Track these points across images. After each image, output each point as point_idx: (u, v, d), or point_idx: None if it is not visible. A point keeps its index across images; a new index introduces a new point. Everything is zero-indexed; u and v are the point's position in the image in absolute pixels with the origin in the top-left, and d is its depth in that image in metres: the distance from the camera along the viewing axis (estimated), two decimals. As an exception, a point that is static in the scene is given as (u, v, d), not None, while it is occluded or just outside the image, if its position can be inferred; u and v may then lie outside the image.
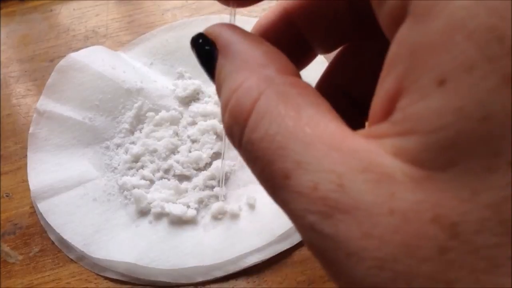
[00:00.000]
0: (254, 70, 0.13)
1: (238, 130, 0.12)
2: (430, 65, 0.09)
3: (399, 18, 0.10)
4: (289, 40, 0.17)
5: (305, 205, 0.10)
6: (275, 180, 0.11)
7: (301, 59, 0.18)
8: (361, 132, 0.11)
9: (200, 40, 0.15)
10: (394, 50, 0.10)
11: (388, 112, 0.10)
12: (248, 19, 0.44)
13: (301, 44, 0.18)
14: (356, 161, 0.10)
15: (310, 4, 0.17)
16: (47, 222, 0.35)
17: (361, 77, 0.17)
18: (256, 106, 0.12)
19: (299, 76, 0.13)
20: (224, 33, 0.14)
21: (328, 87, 0.19)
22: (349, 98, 0.18)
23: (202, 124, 0.39)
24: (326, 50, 0.18)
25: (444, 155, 0.09)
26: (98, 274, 0.33)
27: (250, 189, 0.35)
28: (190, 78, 0.42)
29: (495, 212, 0.08)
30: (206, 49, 0.14)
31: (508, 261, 0.08)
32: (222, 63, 0.14)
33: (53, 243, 0.35)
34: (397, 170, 0.09)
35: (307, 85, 0.13)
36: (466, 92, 0.09)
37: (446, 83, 0.09)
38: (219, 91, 0.14)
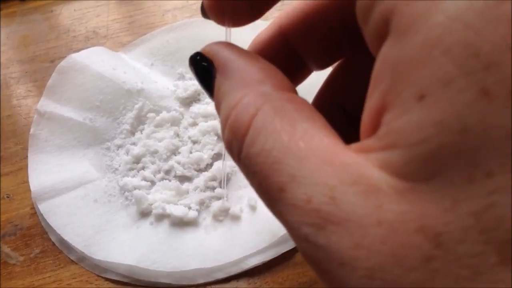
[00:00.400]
0: (251, 87, 0.13)
1: (237, 145, 0.13)
2: (410, 81, 0.10)
3: (382, 35, 0.11)
4: (284, 57, 0.18)
5: (300, 217, 0.11)
6: (271, 193, 0.11)
7: (295, 76, 0.19)
8: (352, 146, 0.11)
9: (198, 59, 0.15)
10: (378, 67, 0.11)
11: (375, 127, 0.11)
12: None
13: (296, 61, 0.18)
14: (347, 174, 0.10)
15: (304, 22, 0.17)
16: (48, 223, 0.35)
17: (356, 92, 0.17)
18: (254, 122, 0.12)
19: (295, 92, 0.14)
20: (221, 52, 0.15)
21: (324, 102, 0.19)
22: (345, 113, 0.19)
23: (203, 125, 0.39)
24: (320, 67, 0.19)
25: (426, 167, 0.09)
26: (99, 276, 0.33)
27: (251, 191, 0.35)
28: (190, 79, 0.42)
29: (476, 221, 0.09)
30: (204, 68, 0.15)
31: (491, 269, 0.08)
32: (220, 81, 0.14)
33: (54, 244, 0.35)
34: (383, 183, 0.10)
35: (303, 101, 0.13)
36: (445, 106, 0.09)
37: (425, 98, 0.09)
38: (218, 108, 0.14)
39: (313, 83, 0.20)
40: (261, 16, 0.15)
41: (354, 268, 0.10)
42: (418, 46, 0.09)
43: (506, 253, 0.08)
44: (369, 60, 0.14)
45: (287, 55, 0.18)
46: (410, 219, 0.09)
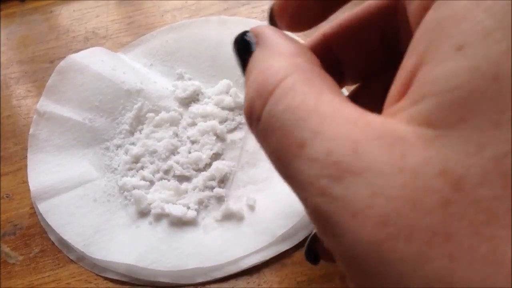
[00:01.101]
0: (284, 57, 0.14)
1: (260, 103, 0.13)
2: (451, 34, 0.10)
3: (426, 7, 0.11)
4: (325, 64, 0.19)
5: (318, 170, 0.11)
6: (290, 149, 0.12)
7: None
8: (378, 114, 0.11)
9: (242, 36, 0.16)
10: (417, 32, 0.11)
11: (404, 92, 0.11)
12: (247, 20, 0.44)
13: (334, 71, 0.19)
14: (372, 130, 0.10)
15: (347, 34, 0.18)
16: (47, 223, 0.35)
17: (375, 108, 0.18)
18: (282, 84, 0.13)
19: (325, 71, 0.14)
20: (265, 30, 0.15)
21: None
22: None
23: (201, 125, 0.39)
24: (356, 80, 0.20)
25: (455, 113, 0.09)
26: (98, 275, 0.33)
27: (250, 190, 0.35)
28: (190, 79, 0.43)
29: (496, 164, 0.09)
30: (245, 41, 0.15)
31: (507, 213, 0.09)
32: (256, 52, 0.15)
33: (53, 243, 0.35)
34: (409, 133, 0.10)
35: (332, 79, 0.14)
36: (481, 54, 0.09)
37: (464, 48, 0.10)
38: (248, 76, 0.14)
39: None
40: (325, 19, 0.16)
41: (367, 216, 0.10)
42: (462, 5, 0.10)
43: None
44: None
45: (327, 62, 0.19)
46: (434, 164, 0.09)
